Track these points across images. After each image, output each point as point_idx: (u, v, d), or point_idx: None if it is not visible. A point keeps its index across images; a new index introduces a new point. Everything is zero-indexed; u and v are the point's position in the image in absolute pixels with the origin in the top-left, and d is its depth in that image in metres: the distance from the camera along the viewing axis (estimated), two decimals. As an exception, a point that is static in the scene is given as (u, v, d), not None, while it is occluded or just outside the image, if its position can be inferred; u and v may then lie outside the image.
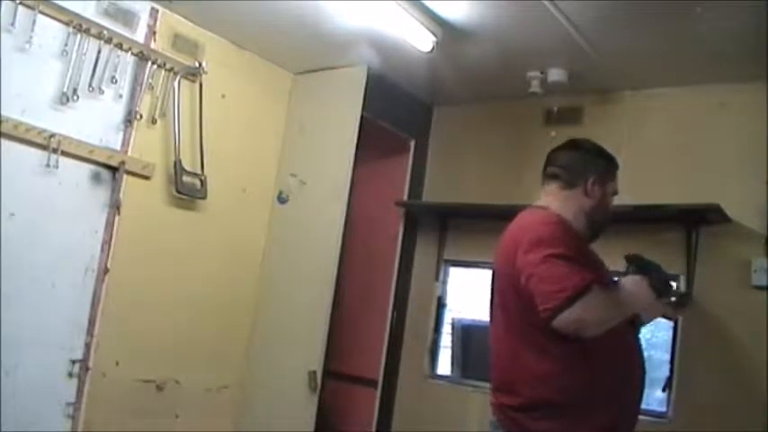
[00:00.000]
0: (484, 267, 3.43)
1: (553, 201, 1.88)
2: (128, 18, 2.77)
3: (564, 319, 1.55)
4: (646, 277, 1.72)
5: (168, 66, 2.91)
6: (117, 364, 2.78)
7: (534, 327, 1.68)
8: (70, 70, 2.55)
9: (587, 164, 1.88)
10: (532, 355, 1.71)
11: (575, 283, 1.56)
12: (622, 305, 1.67)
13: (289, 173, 3.40)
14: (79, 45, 2.57)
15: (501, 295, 1.86)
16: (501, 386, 1.82)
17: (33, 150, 2.47)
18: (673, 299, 1.84)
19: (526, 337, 1.74)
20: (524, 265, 1.66)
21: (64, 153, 2.53)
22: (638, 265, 1.78)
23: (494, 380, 1.86)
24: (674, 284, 1.82)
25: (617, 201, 2.12)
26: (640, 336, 1.84)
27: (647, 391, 1.88)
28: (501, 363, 1.84)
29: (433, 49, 2.76)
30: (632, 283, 1.72)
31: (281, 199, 3.41)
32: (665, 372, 2.75)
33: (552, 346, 1.68)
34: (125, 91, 2.77)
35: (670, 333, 2.83)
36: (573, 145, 1.97)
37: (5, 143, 2.39)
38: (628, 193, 2.11)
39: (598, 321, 1.60)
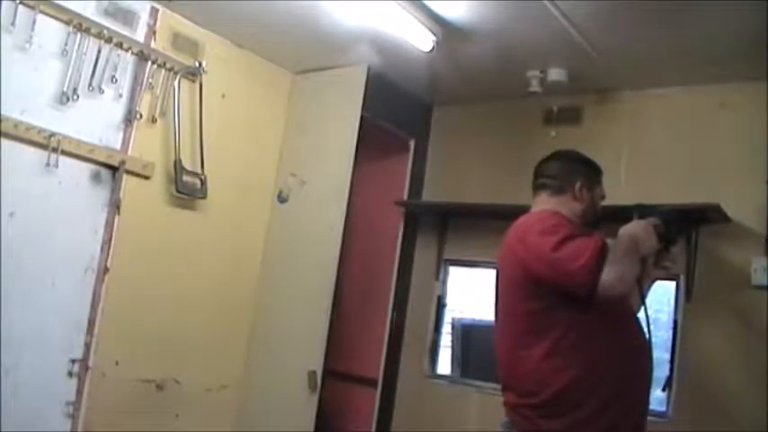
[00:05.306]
0: (484, 267, 3.45)
1: (545, 207, 1.95)
2: (128, 17, 2.76)
3: (605, 285, 1.61)
4: (651, 222, 1.79)
5: (168, 65, 2.91)
6: (117, 363, 2.77)
7: (540, 322, 1.74)
8: (70, 70, 2.55)
9: (573, 171, 1.99)
10: (538, 351, 1.74)
11: (593, 250, 1.64)
12: (633, 248, 1.71)
13: (289, 172, 3.40)
14: (79, 44, 2.57)
15: (504, 295, 1.90)
16: (509, 384, 1.84)
17: (33, 150, 2.47)
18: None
19: (532, 333, 1.76)
20: (537, 259, 1.73)
21: (64, 152, 2.53)
22: (641, 212, 1.86)
23: (502, 378, 1.89)
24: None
25: (617, 200, 2.13)
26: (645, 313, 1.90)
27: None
28: (507, 361, 1.86)
29: (433, 48, 2.76)
30: (640, 228, 1.77)
31: (281, 198, 3.41)
32: (665, 371, 2.74)
33: (558, 340, 1.72)
34: (125, 90, 2.77)
35: (670, 333, 2.83)
36: (557, 155, 2.07)
37: (5, 142, 2.38)
38: (627, 193, 2.12)
39: (630, 271, 1.67)
